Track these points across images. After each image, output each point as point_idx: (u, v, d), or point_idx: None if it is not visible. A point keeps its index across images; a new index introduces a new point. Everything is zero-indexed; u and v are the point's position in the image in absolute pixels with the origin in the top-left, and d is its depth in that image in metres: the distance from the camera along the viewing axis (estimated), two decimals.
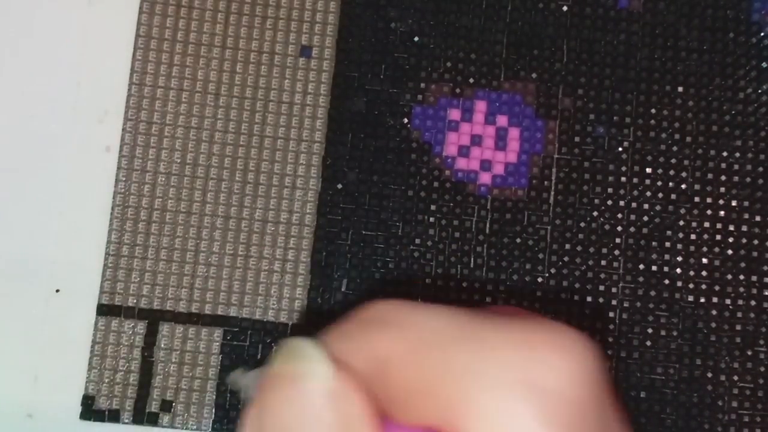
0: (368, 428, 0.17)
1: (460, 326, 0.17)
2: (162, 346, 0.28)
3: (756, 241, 0.30)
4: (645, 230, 0.30)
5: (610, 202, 0.30)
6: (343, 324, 0.18)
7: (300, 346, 0.17)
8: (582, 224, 0.30)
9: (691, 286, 0.30)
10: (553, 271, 0.30)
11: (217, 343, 0.29)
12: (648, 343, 0.29)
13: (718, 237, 0.30)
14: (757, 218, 0.30)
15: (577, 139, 0.30)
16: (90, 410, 0.28)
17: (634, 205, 0.30)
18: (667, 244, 0.30)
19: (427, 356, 0.17)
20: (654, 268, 0.30)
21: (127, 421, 0.28)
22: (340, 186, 0.30)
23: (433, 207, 0.30)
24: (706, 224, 0.30)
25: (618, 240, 0.30)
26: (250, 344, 0.29)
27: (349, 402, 0.17)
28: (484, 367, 0.16)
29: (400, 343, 0.17)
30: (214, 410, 0.28)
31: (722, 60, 0.31)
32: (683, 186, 0.30)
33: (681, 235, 0.30)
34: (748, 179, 0.30)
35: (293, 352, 0.17)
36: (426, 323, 0.17)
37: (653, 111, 0.31)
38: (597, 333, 0.29)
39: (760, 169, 0.30)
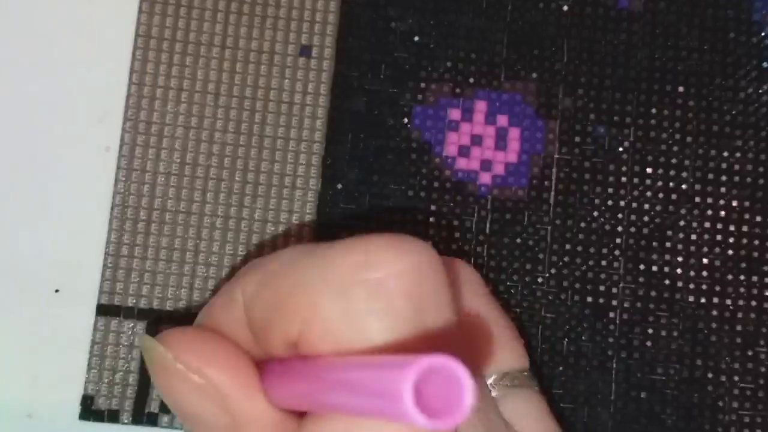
0: (237, 390, 0.18)
1: (305, 248, 0.19)
2: None
3: (757, 242, 0.30)
4: (645, 230, 0.30)
5: (610, 202, 0.30)
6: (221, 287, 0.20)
7: (142, 340, 0.19)
8: (582, 224, 0.30)
9: (691, 286, 0.30)
10: (553, 271, 0.30)
11: None
12: (648, 343, 0.29)
13: (719, 237, 0.30)
14: (758, 218, 0.30)
15: (577, 138, 0.30)
16: (89, 410, 0.28)
17: (634, 205, 0.30)
18: (668, 244, 0.30)
19: (277, 278, 0.18)
20: (654, 268, 0.30)
21: (126, 421, 0.28)
22: (340, 186, 0.30)
23: (433, 207, 0.30)
24: (707, 224, 0.30)
25: (618, 240, 0.30)
26: None
27: (209, 373, 0.18)
28: (324, 274, 0.17)
29: (256, 279, 0.19)
30: None
31: (723, 60, 0.31)
32: (684, 186, 0.30)
33: (682, 235, 0.30)
34: (749, 179, 0.30)
35: (142, 350, 0.19)
36: (276, 257, 0.19)
37: (654, 111, 0.31)
38: (597, 333, 0.29)
39: (761, 169, 0.30)
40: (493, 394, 0.23)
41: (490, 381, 0.23)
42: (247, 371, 0.19)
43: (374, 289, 0.17)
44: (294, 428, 0.19)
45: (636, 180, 0.30)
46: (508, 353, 0.24)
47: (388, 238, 0.18)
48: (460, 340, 0.18)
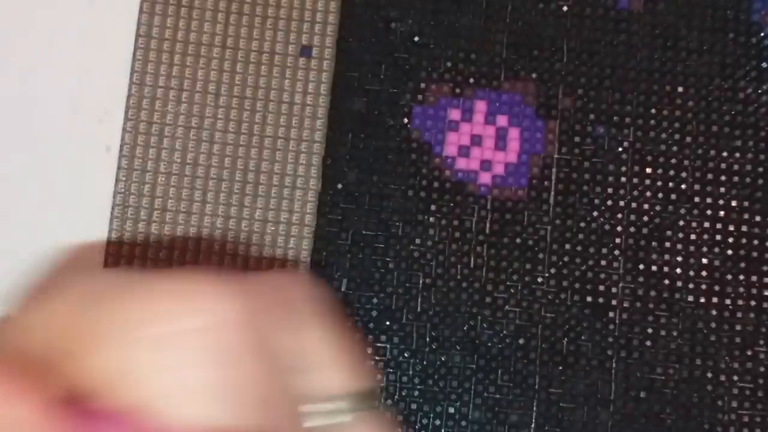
0: (42, 424, 0.17)
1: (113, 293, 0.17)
2: None
3: (756, 241, 0.30)
4: (645, 230, 0.30)
5: (610, 202, 0.30)
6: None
7: None
8: (582, 224, 0.30)
9: (690, 286, 0.30)
10: (553, 271, 0.30)
11: None
12: (648, 343, 0.29)
13: (718, 237, 0.30)
14: (757, 218, 0.30)
15: (577, 139, 0.30)
16: None
17: (634, 205, 0.30)
18: (667, 244, 0.30)
19: (64, 325, 0.17)
20: (654, 268, 0.30)
21: None
22: (340, 186, 0.30)
23: (433, 207, 0.30)
24: (706, 224, 0.30)
25: (618, 240, 0.30)
26: None
27: (8, 407, 0.17)
28: (109, 328, 0.16)
29: (50, 312, 0.18)
30: None
31: (722, 60, 0.31)
32: (683, 186, 0.30)
33: (681, 235, 0.30)
34: (748, 179, 0.30)
35: None
36: (74, 288, 0.18)
37: (653, 111, 0.31)
38: (597, 333, 0.29)
39: (760, 169, 0.30)
40: (306, 424, 0.22)
41: (315, 407, 0.22)
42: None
43: (158, 339, 0.16)
44: None
45: (635, 180, 0.30)
46: (335, 377, 0.22)
47: (175, 283, 0.17)
48: None
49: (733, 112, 0.31)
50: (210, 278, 0.17)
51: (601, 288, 0.30)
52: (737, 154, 0.31)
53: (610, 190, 0.30)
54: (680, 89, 0.31)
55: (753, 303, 0.30)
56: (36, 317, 0.18)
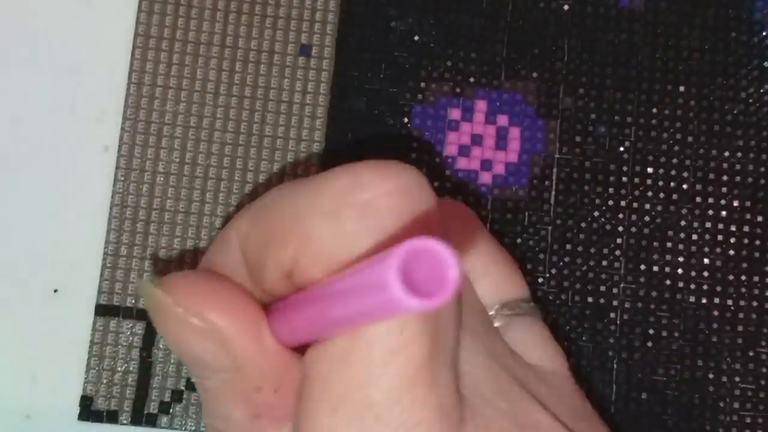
0: (237, 331, 0.18)
1: (295, 181, 0.18)
2: (161, 346, 0.28)
3: (758, 242, 0.30)
4: (646, 230, 0.30)
5: (611, 202, 0.30)
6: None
7: (140, 288, 0.19)
8: (583, 224, 0.30)
9: (692, 286, 0.30)
10: (553, 271, 0.29)
11: None
12: (649, 343, 0.29)
13: (720, 237, 0.30)
14: (759, 218, 0.30)
15: (578, 138, 0.30)
16: (88, 411, 0.28)
17: (635, 205, 0.30)
18: (669, 245, 0.30)
19: (268, 211, 0.18)
20: (655, 268, 0.30)
21: (125, 422, 0.28)
22: None
23: None
24: (708, 224, 0.30)
25: (619, 240, 0.30)
26: None
27: (208, 315, 0.18)
28: (314, 200, 0.17)
29: (247, 217, 0.19)
30: None
31: (724, 59, 0.31)
32: (685, 186, 0.30)
33: (682, 235, 0.30)
34: (750, 179, 0.30)
35: (140, 293, 0.19)
36: (267, 194, 0.19)
37: (655, 110, 0.30)
38: (598, 334, 0.29)
39: (762, 169, 0.30)
40: (496, 324, 0.23)
41: (491, 312, 0.23)
42: (249, 312, 0.18)
43: (364, 209, 0.17)
44: (295, 364, 0.18)
45: (637, 180, 0.30)
46: (507, 283, 0.24)
47: (375, 162, 0.18)
48: None
49: (735, 112, 0.31)
50: (376, 160, 0.18)
51: (602, 288, 0.29)
52: (739, 154, 0.30)
53: (611, 190, 0.30)
54: (682, 89, 0.31)
55: (755, 303, 0.30)
56: (230, 233, 0.19)
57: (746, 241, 0.30)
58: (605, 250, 0.30)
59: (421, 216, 0.17)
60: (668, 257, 0.30)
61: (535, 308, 0.25)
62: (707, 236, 0.30)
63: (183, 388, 0.28)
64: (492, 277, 0.24)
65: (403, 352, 0.16)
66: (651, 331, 0.29)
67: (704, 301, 0.30)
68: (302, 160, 0.30)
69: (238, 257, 0.19)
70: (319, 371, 0.17)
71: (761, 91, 0.31)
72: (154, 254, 0.29)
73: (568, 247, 0.30)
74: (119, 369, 0.28)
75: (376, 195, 0.17)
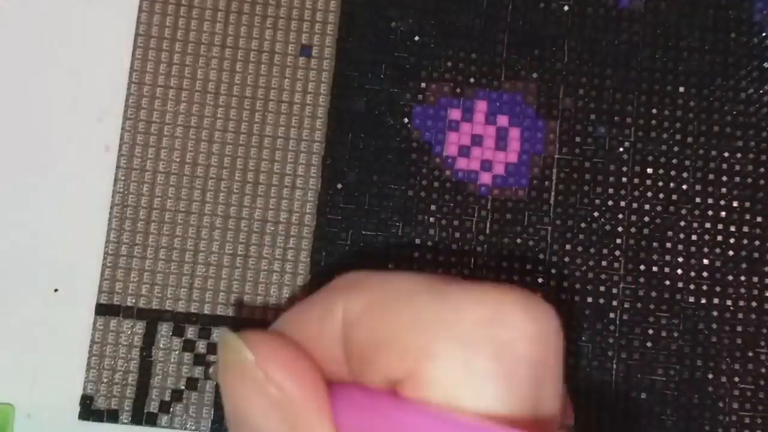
0: (311, 411, 0.17)
1: (427, 283, 0.17)
2: (161, 346, 0.28)
3: (757, 242, 0.30)
4: (646, 231, 0.30)
5: (610, 203, 0.30)
6: (312, 295, 0.19)
7: (223, 338, 0.18)
8: (582, 225, 0.30)
9: (692, 286, 0.30)
10: (553, 271, 0.30)
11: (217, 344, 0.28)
12: (649, 344, 0.29)
13: (720, 238, 0.30)
14: (759, 219, 0.30)
15: (577, 139, 0.30)
16: (89, 410, 0.28)
17: (634, 205, 0.30)
18: (668, 245, 0.30)
19: (393, 308, 0.17)
20: (655, 268, 0.30)
21: (126, 421, 0.28)
22: (340, 186, 0.30)
23: (433, 207, 0.30)
24: (707, 225, 0.30)
25: (619, 240, 0.30)
26: None
27: (288, 388, 0.17)
28: (450, 321, 0.16)
29: (365, 300, 0.17)
30: (213, 410, 0.28)
31: (724, 60, 0.31)
32: (684, 186, 0.30)
33: (682, 235, 0.30)
34: (750, 180, 0.30)
35: (221, 344, 0.18)
36: (391, 281, 0.18)
37: (654, 111, 0.30)
38: (598, 334, 0.29)
39: (762, 169, 0.30)
40: None
41: None
42: (323, 392, 0.18)
43: (501, 349, 0.16)
44: None
45: (636, 180, 0.30)
46: (569, 409, 0.23)
47: (520, 297, 0.17)
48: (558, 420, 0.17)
49: (734, 113, 0.31)
50: (522, 293, 0.17)
51: (602, 289, 0.29)
52: (739, 155, 0.30)
53: (610, 191, 0.30)
54: (681, 89, 0.31)
55: (754, 304, 0.30)
56: (337, 307, 0.18)
57: (746, 241, 0.30)
58: (605, 250, 0.30)
59: (552, 367, 0.16)
60: (668, 257, 0.30)
61: None
62: (707, 236, 0.30)
63: (183, 387, 0.28)
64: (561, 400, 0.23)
65: None
66: (650, 332, 0.29)
67: (704, 301, 0.30)
68: (302, 160, 0.30)
69: (338, 335, 0.18)
70: None
71: (761, 91, 0.31)
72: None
73: (568, 247, 0.30)
74: (120, 368, 0.28)
75: (516, 337, 0.16)
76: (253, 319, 0.29)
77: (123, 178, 0.29)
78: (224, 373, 0.18)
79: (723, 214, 0.30)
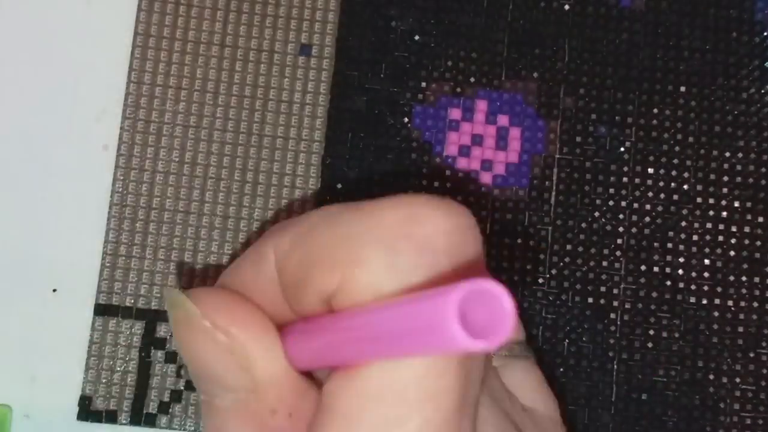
0: (261, 351, 0.18)
1: (344, 205, 0.18)
2: (160, 346, 0.28)
3: (758, 242, 0.30)
4: (647, 231, 0.30)
5: (611, 203, 0.30)
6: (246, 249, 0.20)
7: (169, 297, 0.19)
8: (583, 225, 0.30)
9: (693, 287, 0.30)
10: (554, 271, 0.29)
11: None
12: (649, 344, 0.29)
13: (720, 238, 0.30)
14: (760, 219, 0.30)
15: (578, 139, 0.30)
16: (87, 411, 0.28)
17: (635, 205, 0.30)
18: (669, 245, 0.30)
19: (316, 231, 0.18)
20: (656, 269, 0.30)
21: (124, 422, 0.28)
22: (339, 186, 0.29)
23: None
24: (708, 225, 0.30)
25: (619, 240, 0.30)
26: None
27: (235, 332, 0.18)
28: (370, 226, 0.17)
29: (291, 235, 0.18)
30: None
31: (725, 60, 0.31)
32: (685, 186, 0.30)
33: (683, 235, 0.30)
34: (751, 180, 0.30)
35: (168, 303, 0.19)
36: (312, 214, 0.19)
37: (655, 111, 0.30)
38: (598, 334, 0.29)
39: (763, 169, 0.30)
40: (494, 364, 0.23)
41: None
42: (271, 333, 0.19)
43: (421, 244, 0.16)
44: (309, 390, 0.18)
45: (637, 180, 0.30)
46: None
47: (433, 197, 0.17)
48: None
49: (735, 112, 0.31)
50: (434, 195, 0.18)
51: (603, 289, 0.29)
52: (740, 155, 0.30)
53: (611, 191, 0.30)
54: (682, 89, 0.31)
55: (755, 304, 0.30)
56: (267, 249, 0.19)
57: (747, 241, 0.30)
58: (605, 251, 0.30)
59: (472, 258, 0.17)
60: (668, 258, 0.30)
61: (530, 351, 0.25)
62: (708, 237, 0.30)
63: (182, 388, 0.28)
64: None
65: (437, 398, 0.16)
66: (651, 332, 0.29)
67: (704, 301, 0.30)
68: (302, 160, 0.30)
69: (272, 275, 0.19)
70: (345, 404, 0.16)
71: (762, 91, 0.31)
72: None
73: (568, 247, 0.30)
74: (118, 369, 0.28)
75: (434, 232, 0.17)
76: None
77: (122, 177, 0.29)
78: (176, 330, 0.19)
79: (724, 214, 0.30)
